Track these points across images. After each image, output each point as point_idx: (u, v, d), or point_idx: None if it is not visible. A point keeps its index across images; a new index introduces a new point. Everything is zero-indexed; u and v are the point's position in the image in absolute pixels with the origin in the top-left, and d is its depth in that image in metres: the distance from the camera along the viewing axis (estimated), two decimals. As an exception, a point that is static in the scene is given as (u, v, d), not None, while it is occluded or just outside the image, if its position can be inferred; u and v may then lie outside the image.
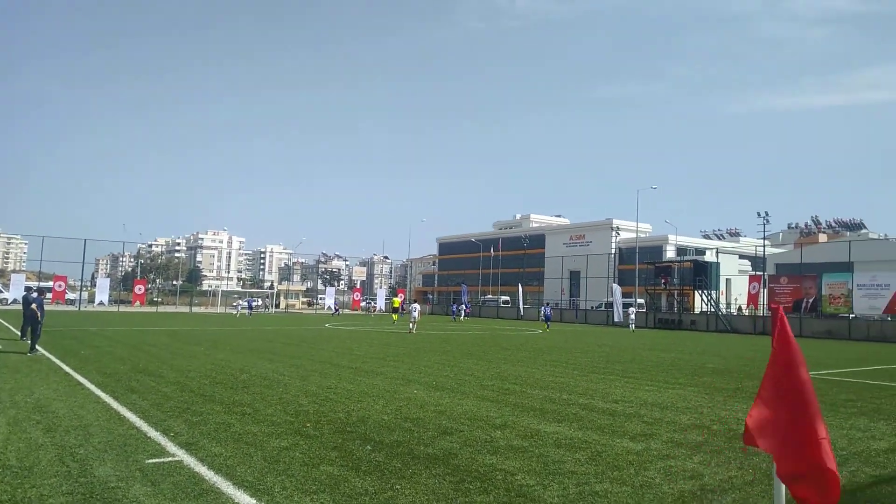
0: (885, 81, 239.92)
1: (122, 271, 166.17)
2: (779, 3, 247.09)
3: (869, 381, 15.30)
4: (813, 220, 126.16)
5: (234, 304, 61.86)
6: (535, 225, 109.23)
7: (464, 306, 61.23)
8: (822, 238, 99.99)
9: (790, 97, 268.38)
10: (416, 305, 35.28)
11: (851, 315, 40.65)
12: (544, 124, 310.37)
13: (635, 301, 59.07)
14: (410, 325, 32.96)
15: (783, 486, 3.28)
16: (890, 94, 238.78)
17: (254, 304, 59.97)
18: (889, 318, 39.50)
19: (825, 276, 42.90)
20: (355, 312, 73.74)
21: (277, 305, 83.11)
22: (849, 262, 45.59)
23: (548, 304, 55.77)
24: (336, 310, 62.83)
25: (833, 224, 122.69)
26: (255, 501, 5.17)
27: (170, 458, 6.45)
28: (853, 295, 40.45)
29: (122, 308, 66.41)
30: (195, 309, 74.61)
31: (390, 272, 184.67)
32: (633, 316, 44.62)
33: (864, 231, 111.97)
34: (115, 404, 9.43)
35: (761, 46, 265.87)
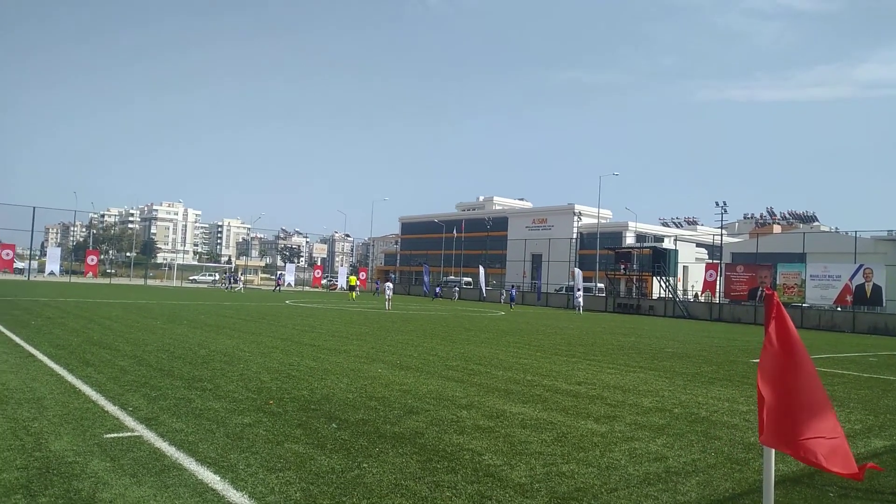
0: (830, 79, 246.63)
1: (73, 241, 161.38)
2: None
3: (821, 368, 15.76)
4: (768, 211, 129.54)
5: (233, 280, 63.13)
6: (497, 207, 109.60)
7: (456, 287, 62.02)
8: (777, 229, 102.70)
9: (746, 90, 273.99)
10: (390, 284, 37.78)
11: (804, 304, 41.88)
12: (508, 107, 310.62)
13: (595, 285, 60.10)
14: (386, 302, 35.96)
15: (773, 477, 3.27)
16: (834, 92, 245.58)
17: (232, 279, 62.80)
18: (839, 309, 40.81)
19: (780, 265, 44.05)
20: (315, 290, 73.17)
21: (235, 281, 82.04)
22: (802, 254, 46.92)
23: (513, 286, 57.05)
24: (278, 286, 63.42)
25: (787, 216, 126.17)
26: (218, 478, 5.04)
27: (129, 433, 6.26)
28: (806, 285, 41.66)
29: (74, 279, 64.74)
30: (150, 282, 73.13)
31: (352, 250, 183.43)
32: (580, 300, 48.26)
33: (816, 223, 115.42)
34: (69, 377, 9.13)
35: (719, 39, 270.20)
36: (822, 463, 3.01)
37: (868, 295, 39.27)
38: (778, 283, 42.92)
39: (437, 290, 60.37)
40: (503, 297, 56.25)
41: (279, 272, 68.46)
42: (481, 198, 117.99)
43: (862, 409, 9.91)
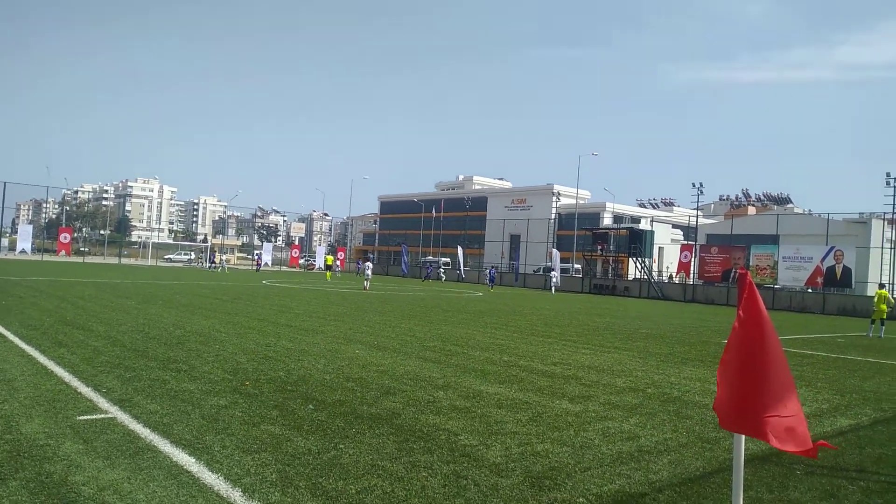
0: (809, 61, 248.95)
1: (45, 218, 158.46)
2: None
3: (791, 349, 16.08)
4: (743, 193, 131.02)
5: (216, 261, 62.88)
6: (477, 187, 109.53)
7: (441, 269, 62.06)
8: (752, 211, 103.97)
9: (725, 71, 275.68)
10: (369, 264, 38.42)
11: (776, 286, 42.59)
12: (487, 85, 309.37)
13: (572, 266, 60.61)
14: (365, 282, 36.28)
15: (742, 457, 3.35)
16: (811, 74, 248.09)
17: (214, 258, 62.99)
18: (810, 290, 41.54)
19: (753, 247, 44.67)
20: (293, 270, 72.79)
21: (211, 260, 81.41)
22: (775, 235, 47.60)
23: (493, 266, 57.73)
24: (258, 265, 63.55)
25: (762, 197, 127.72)
26: (193, 460, 5.03)
27: (102, 415, 6.21)
28: (778, 267, 42.34)
29: (47, 257, 63.69)
30: (124, 260, 72.17)
31: (330, 229, 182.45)
32: (554, 280, 49.69)
33: (790, 205, 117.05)
34: (41, 358, 9.01)
35: (702, 19, 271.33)
36: (773, 441, 3.09)
37: (838, 277, 40.02)
38: (751, 264, 43.55)
39: (429, 269, 60.46)
40: (487, 277, 56.65)
41: (257, 252, 68.45)
42: (461, 177, 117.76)
43: (829, 389, 10.15)
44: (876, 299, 21.91)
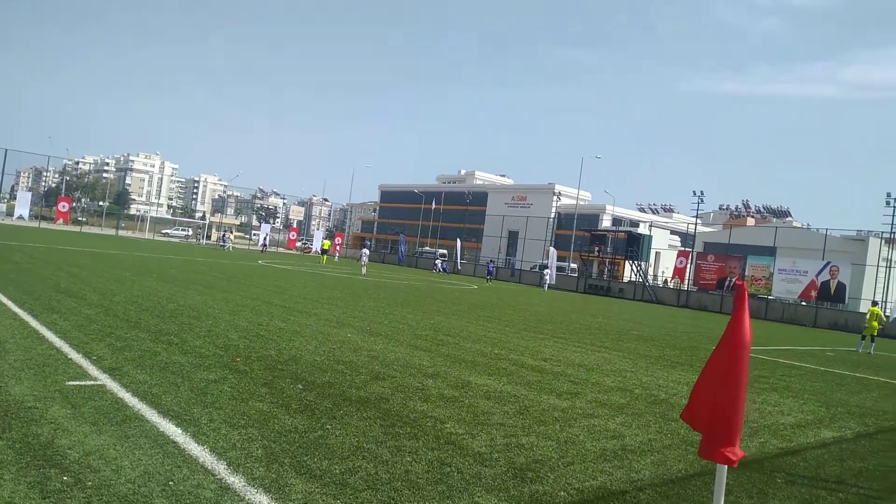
0: (824, 77, 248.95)
1: (45, 186, 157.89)
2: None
3: (780, 359, 16.15)
4: (743, 204, 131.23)
5: (223, 238, 63.24)
6: (478, 182, 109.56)
7: (437, 261, 61.33)
8: (750, 222, 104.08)
9: (735, 83, 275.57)
10: (366, 251, 40.00)
11: (770, 297, 42.71)
12: (495, 82, 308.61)
13: (568, 265, 60.78)
14: (362, 268, 37.79)
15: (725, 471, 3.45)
16: (822, 91, 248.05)
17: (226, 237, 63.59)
18: (803, 303, 41.67)
19: (750, 257, 44.79)
20: (290, 252, 72.80)
21: (209, 237, 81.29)
22: (773, 247, 47.70)
23: (492, 261, 58.12)
24: (264, 245, 63.69)
25: (761, 209, 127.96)
26: (180, 431, 5.05)
27: (91, 382, 6.22)
28: (773, 278, 42.45)
29: (44, 224, 63.57)
30: (122, 233, 72.08)
31: (329, 215, 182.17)
32: (547, 278, 50.07)
33: (788, 219, 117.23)
34: (33, 322, 9.02)
35: (717, 30, 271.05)
36: (700, 446, 3.37)
37: (832, 292, 40.14)
38: (747, 274, 43.66)
39: (442, 264, 59.97)
40: (486, 270, 56.53)
41: (262, 233, 68.80)
42: (463, 171, 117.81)
43: (815, 401, 10.20)
44: (868, 316, 21.99)
